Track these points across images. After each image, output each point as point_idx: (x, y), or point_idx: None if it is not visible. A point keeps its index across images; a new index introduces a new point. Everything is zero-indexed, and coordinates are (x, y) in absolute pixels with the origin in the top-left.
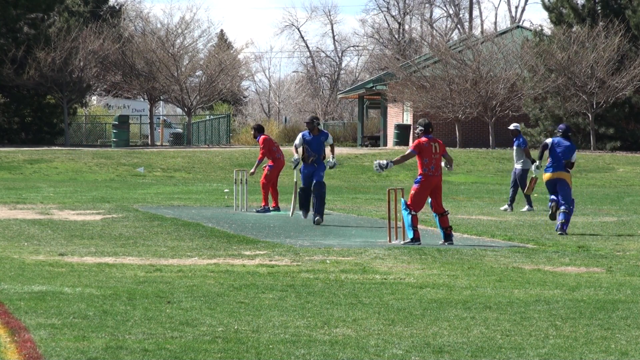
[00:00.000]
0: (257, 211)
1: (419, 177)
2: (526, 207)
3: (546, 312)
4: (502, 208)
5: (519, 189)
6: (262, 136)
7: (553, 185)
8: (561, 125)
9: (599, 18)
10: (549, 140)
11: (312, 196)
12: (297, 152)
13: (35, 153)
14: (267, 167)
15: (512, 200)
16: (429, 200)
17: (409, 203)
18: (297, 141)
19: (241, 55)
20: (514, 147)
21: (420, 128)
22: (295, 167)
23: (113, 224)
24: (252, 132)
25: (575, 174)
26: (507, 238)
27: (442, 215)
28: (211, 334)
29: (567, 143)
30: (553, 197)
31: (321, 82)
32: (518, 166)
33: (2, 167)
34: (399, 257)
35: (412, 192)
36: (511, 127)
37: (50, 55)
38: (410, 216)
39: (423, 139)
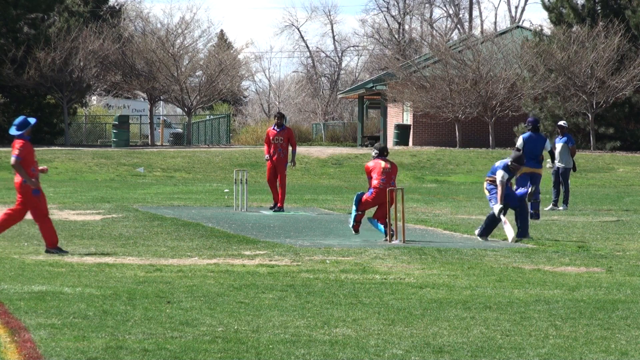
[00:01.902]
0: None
1: (370, 190)
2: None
3: (546, 312)
4: (560, 208)
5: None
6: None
7: (527, 179)
8: (529, 119)
9: (598, 18)
10: (520, 143)
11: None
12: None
13: (38, 153)
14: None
15: (557, 198)
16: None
17: (360, 205)
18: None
19: (241, 55)
20: (559, 144)
21: (376, 152)
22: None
23: (113, 224)
24: (276, 120)
25: (575, 173)
26: (507, 238)
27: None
28: (211, 334)
29: (536, 136)
30: (521, 191)
31: (321, 82)
32: (561, 165)
33: (2, 167)
34: (399, 257)
35: (364, 199)
36: (561, 123)
37: (50, 55)
38: (356, 214)
39: (371, 163)
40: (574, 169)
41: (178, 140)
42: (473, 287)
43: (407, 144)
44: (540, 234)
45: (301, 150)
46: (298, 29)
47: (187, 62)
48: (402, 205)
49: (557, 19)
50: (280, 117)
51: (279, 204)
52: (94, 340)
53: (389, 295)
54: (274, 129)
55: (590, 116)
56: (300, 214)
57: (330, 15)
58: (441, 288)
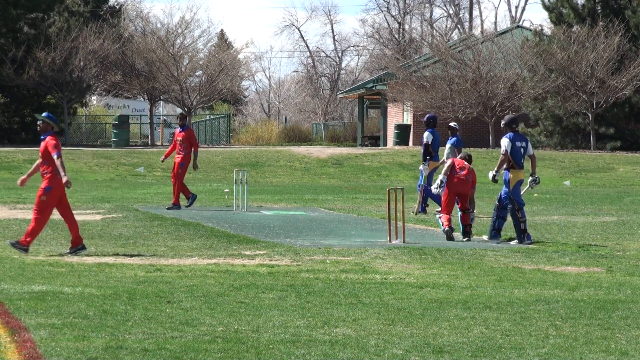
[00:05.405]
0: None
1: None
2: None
3: (546, 312)
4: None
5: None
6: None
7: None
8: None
9: (599, 18)
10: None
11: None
12: None
13: (35, 153)
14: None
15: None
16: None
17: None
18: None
19: (241, 55)
20: (447, 145)
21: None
22: None
23: (113, 224)
24: (179, 122)
25: (575, 173)
26: (507, 238)
27: None
28: (211, 334)
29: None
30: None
31: (321, 82)
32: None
33: (2, 167)
34: (399, 257)
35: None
36: (451, 124)
37: (50, 55)
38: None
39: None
40: None
41: None
42: (473, 287)
43: (407, 144)
44: (540, 234)
45: (301, 150)
46: (298, 29)
47: (187, 62)
48: (402, 205)
49: (557, 19)
50: (182, 117)
51: (174, 201)
52: (94, 340)
53: (389, 295)
54: (179, 130)
55: (590, 116)
56: (300, 213)
57: (330, 15)
58: (441, 288)
